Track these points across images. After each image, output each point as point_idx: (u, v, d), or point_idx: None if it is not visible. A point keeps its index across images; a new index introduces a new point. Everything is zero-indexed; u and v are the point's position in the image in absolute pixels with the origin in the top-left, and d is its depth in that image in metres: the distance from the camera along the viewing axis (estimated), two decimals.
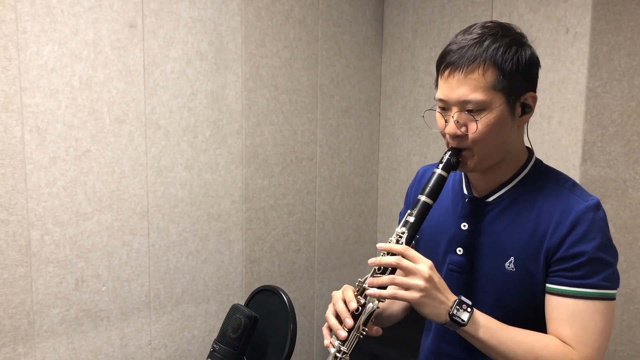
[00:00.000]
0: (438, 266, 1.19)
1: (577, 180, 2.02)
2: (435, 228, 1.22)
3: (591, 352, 1.02)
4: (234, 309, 1.69)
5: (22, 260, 1.72)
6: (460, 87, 1.04)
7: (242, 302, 2.00)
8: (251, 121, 2.23)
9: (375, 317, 1.08)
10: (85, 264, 1.85)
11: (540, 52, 2.11)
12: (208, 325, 2.21)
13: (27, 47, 1.67)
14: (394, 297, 1.02)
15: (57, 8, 1.71)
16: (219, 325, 1.83)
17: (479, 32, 1.06)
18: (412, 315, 1.29)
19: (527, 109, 1.09)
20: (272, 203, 2.35)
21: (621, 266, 1.94)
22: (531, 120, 2.10)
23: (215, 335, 1.90)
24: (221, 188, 2.17)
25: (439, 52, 2.74)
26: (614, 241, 1.92)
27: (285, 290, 1.76)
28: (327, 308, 1.12)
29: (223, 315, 1.78)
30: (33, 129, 1.70)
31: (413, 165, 2.64)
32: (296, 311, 1.84)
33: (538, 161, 1.17)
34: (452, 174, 1.20)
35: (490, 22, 1.09)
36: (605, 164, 1.97)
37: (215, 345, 1.66)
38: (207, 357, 1.68)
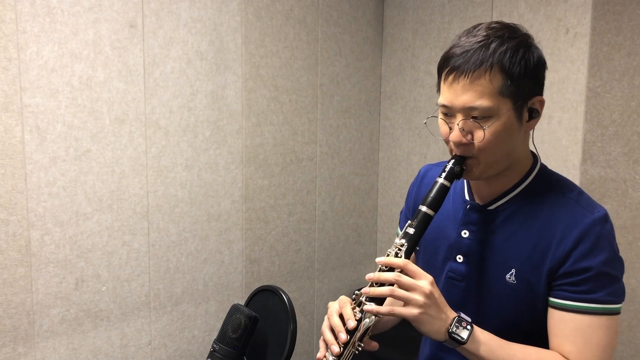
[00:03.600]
0: (437, 272, 1.17)
1: (577, 181, 2.02)
2: (435, 233, 1.18)
3: None
4: (234, 309, 1.69)
5: (22, 260, 1.72)
6: (466, 93, 0.99)
7: (242, 302, 2.00)
8: (251, 121, 2.23)
9: (371, 330, 1.04)
10: (85, 264, 1.85)
11: None
12: (208, 325, 2.21)
13: (27, 47, 1.67)
14: (391, 314, 0.99)
15: (57, 8, 1.71)
16: (219, 325, 1.83)
17: (484, 34, 1.00)
18: None
19: (535, 114, 1.04)
20: (272, 203, 2.35)
21: None
22: None
23: (215, 335, 1.90)
24: (221, 188, 2.17)
25: (439, 52, 2.74)
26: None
27: (285, 290, 1.75)
28: (327, 308, 1.10)
29: (223, 315, 1.78)
30: (33, 129, 1.70)
31: (413, 165, 2.64)
32: (296, 311, 1.84)
33: (543, 167, 1.13)
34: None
35: (496, 22, 1.03)
36: (605, 164, 1.97)
37: (215, 345, 1.66)
38: (207, 357, 1.68)
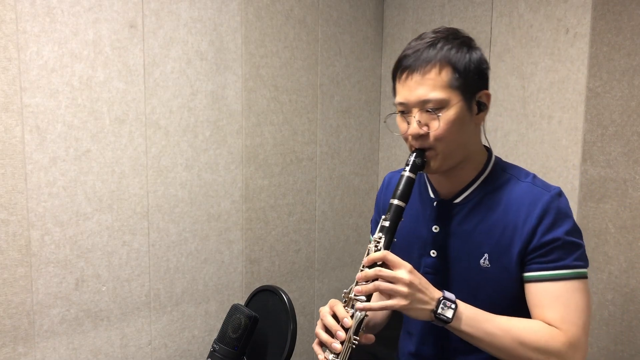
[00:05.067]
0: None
1: (577, 181, 2.03)
2: (408, 233, 1.25)
3: (577, 330, 1.06)
4: (234, 309, 1.69)
5: (22, 260, 1.72)
6: (419, 87, 1.09)
7: (242, 302, 2.00)
8: (251, 121, 2.23)
9: (365, 326, 1.10)
10: (85, 264, 1.85)
11: (540, 52, 2.11)
12: (208, 325, 2.21)
13: (27, 47, 1.67)
14: (383, 308, 1.04)
15: (57, 8, 1.71)
16: (219, 325, 1.83)
17: (432, 36, 1.13)
18: None
19: (483, 107, 1.15)
20: (272, 203, 2.35)
21: (621, 266, 1.94)
22: (531, 120, 2.11)
23: (215, 335, 1.90)
24: (221, 188, 2.17)
25: None
26: (614, 241, 1.92)
27: (285, 290, 1.76)
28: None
29: (223, 315, 1.78)
30: (33, 129, 1.70)
31: None
32: (296, 311, 1.84)
33: (498, 159, 1.22)
34: (416, 178, 1.24)
35: (441, 27, 1.17)
36: (605, 164, 1.97)
37: (215, 345, 1.66)
38: (207, 357, 1.68)
